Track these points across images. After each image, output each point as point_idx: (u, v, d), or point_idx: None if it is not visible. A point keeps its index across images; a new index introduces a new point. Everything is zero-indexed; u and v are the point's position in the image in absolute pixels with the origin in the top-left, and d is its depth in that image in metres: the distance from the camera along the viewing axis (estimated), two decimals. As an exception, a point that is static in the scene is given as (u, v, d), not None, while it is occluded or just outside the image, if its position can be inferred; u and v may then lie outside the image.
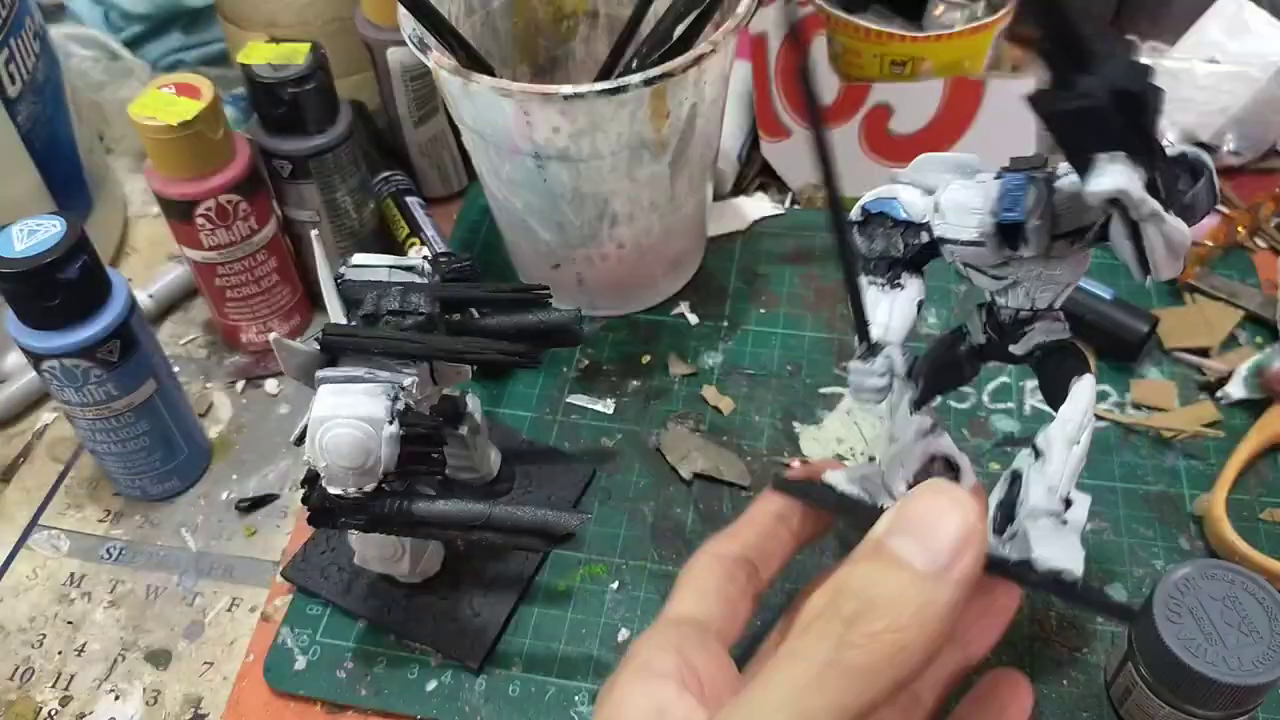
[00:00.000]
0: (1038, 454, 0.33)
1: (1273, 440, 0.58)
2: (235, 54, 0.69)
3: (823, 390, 0.63)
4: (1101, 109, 0.27)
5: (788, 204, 0.75)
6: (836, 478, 0.38)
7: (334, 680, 0.52)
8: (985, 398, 0.62)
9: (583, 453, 0.61)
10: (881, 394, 0.35)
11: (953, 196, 0.34)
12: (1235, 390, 0.60)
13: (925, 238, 0.35)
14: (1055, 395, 0.35)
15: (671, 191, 0.61)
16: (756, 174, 0.77)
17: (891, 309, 0.36)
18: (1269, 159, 0.74)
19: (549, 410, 0.63)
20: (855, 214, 0.36)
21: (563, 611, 0.54)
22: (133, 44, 0.86)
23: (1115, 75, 0.26)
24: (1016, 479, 0.34)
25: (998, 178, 0.33)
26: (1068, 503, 0.32)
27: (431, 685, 0.52)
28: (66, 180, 0.69)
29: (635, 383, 0.65)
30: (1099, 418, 0.61)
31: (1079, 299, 0.63)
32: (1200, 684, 0.43)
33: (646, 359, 0.66)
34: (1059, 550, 0.31)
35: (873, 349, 0.35)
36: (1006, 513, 0.33)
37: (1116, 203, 0.29)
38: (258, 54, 0.61)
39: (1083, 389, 0.34)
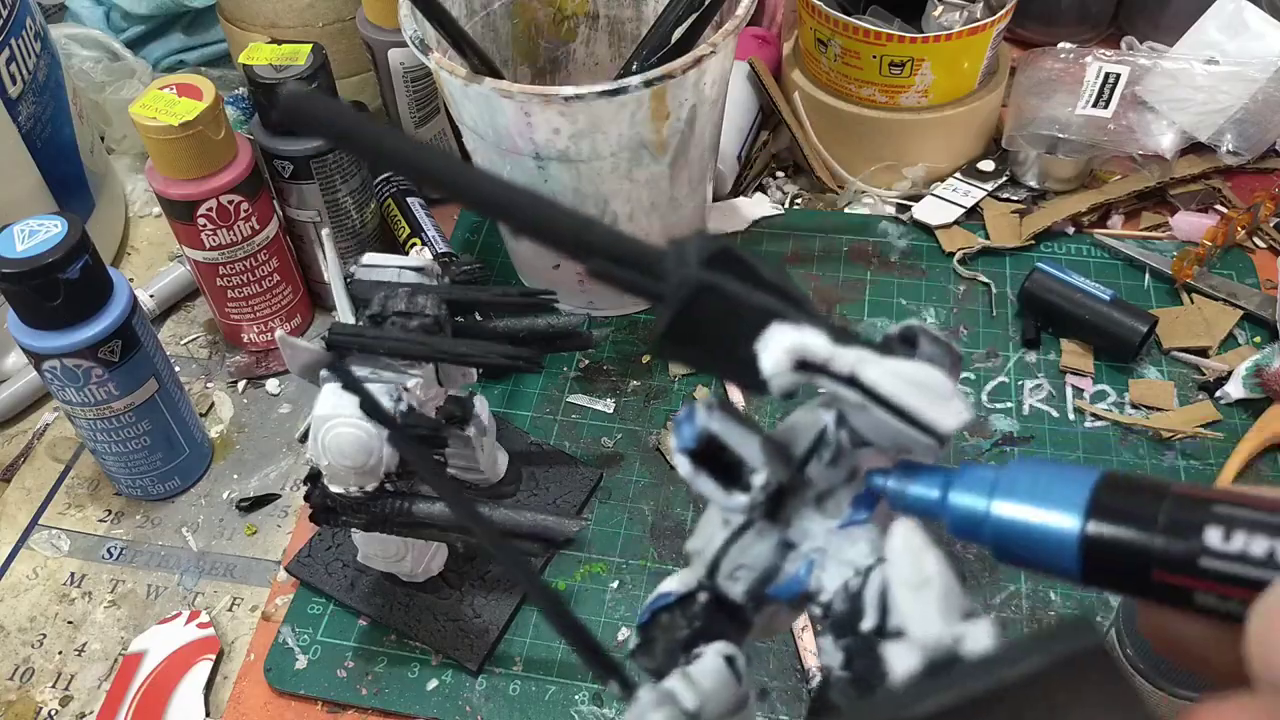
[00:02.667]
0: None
1: (1272, 440, 0.58)
2: (237, 55, 0.70)
3: (823, 389, 0.63)
4: (709, 285, 0.22)
5: (787, 204, 0.75)
6: None
7: (334, 679, 0.52)
8: (984, 397, 0.62)
9: (589, 457, 0.61)
10: None
11: (698, 530, 0.26)
12: (1234, 390, 0.61)
13: (703, 597, 0.26)
14: None
15: (671, 192, 0.61)
16: (756, 174, 0.77)
17: (688, 675, 0.25)
18: (1268, 159, 0.74)
19: (550, 410, 0.63)
20: (632, 642, 0.27)
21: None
22: (134, 44, 0.86)
23: (698, 247, 0.22)
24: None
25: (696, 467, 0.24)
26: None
27: (432, 684, 0.52)
28: (68, 180, 0.70)
29: (635, 383, 0.65)
30: (1098, 418, 0.61)
31: (1079, 299, 0.63)
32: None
33: (646, 359, 0.66)
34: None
35: (629, 689, 0.25)
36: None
37: (820, 375, 0.23)
38: (259, 55, 0.61)
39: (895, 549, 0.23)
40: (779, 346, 0.22)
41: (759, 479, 0.24)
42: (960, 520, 0.24)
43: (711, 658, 0.25)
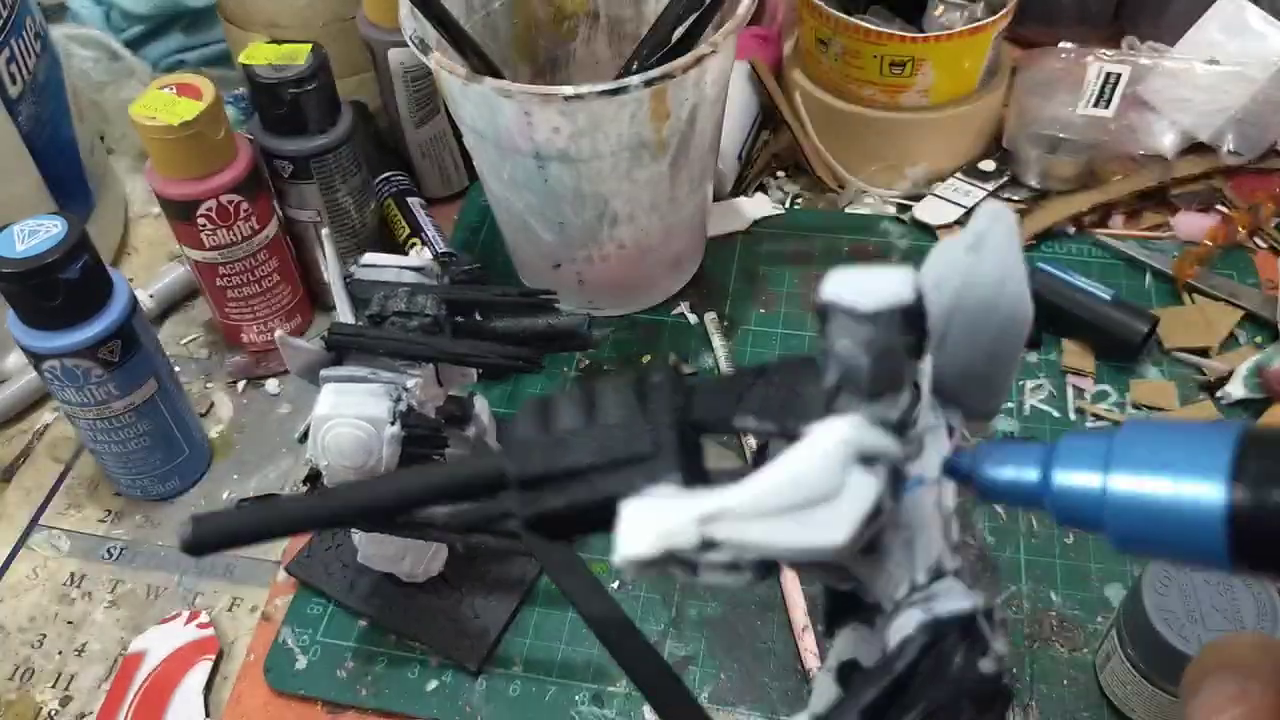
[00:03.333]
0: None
1: (1273, 440, 0.58)
2: (236, 54, 0.70)
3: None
4: (537, 519, 0.22)
5: (788, 204, 0.75)
6: None
7: (334, 680, 0.52)
8: (985, 398, 0.62)
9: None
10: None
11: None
12: (1235, 390, 0.60)
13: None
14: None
15: (671, 192, 0.61)
16: (757, 174, 0.77)
17: None
18: (1268, 159, 0.74)
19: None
20: None
21: (563, 612, 0.54)
22: (134, 44, 0.86)
23: (516, 464, 0.22)
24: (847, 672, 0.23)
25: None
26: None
27: (432, 685, 0.52)
28: (67, 180, 0.70)
29: (636, 383, 0.65)
30: (1098, 418, 0.61)
31: (1080, 299, 0.63)
32: (1166, 654, 0.43)
33: (646, 359, 0.66)
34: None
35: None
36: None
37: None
38: (259, 54, 0.61)
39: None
40: (626, 551, 0.21)
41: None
42: (1069, 504, 0.20)
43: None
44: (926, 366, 0.22)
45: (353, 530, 0.52)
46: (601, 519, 0.22)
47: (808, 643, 0.51)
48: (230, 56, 0.80)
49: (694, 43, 0.59)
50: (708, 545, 0.20)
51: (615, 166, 0.57)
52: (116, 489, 0.62)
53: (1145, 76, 0.72)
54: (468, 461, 0.23)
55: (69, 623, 0.56)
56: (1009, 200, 0.73)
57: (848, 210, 0.75)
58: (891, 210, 0.74)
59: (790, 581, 0.53)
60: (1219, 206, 0.71)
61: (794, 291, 0.69)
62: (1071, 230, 0.71)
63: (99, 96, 0.81)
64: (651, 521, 0.20)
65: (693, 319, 0.68)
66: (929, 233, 0.72)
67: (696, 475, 0.22)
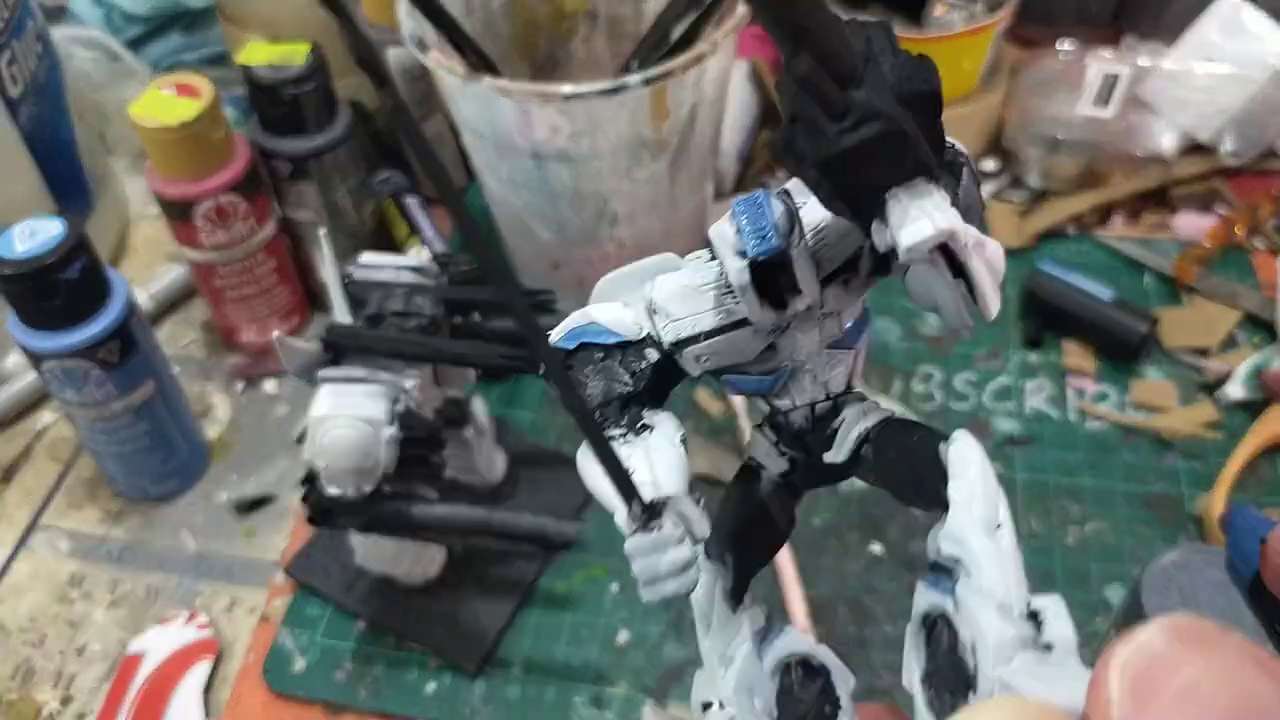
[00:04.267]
0: (950, 571, 0.21)
1: (1273, 440, 0.58)
2: (235, 55, 0.69)
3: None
4: (895, 133, 0.19)
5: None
6: None
7: (333, 681, 0.52)
8: (985, 398, 0.62)
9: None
10: (686, 572, 0.23)
11: (668, 286, 0.25)
12: (1235, 390, 0.60)
13: (653, 355, 0.25)
14: (918, 487, 0.23)
15: (671, 191, 0.61)
16: (757, 174, 0.77)
17: (650, 459, 0.24)
18: (1267, 160, 0.74)
19: (549, 411, 0.63)
20: (559, 341, 0.26)
21: (563, 614, 0.54)
22: (133, 45, 0.86)
23: (897, 78, 0.20)
24: (937, 626, 0.22)
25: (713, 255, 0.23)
26: (1035, 616, 0.21)
27: (431, 687, 0.52)
28: (67, 181, 0.69)
29: (635, 383, 0.64)
30: (1099, 418, 0.61)
31: (1080, 299, 0.63)
32: None
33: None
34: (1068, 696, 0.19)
35: (650, 510, 0.23)
36: (948, 683, 0.21)
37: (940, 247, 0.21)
38: (258, 54, 0.61)
39: (961, 454, 0.22)
40: (934, 227, 0.20)
41: (801, 303, 0.23)
42: None
43: (668, 447, 0.24)
44: None
45: (351, 532, 0.51)
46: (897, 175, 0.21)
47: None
48: (229, 57, 0.80)
49: (694, 42, 0.59)
50: (977, 243, 0.21)
51: (614, 166, 0.57)
52: (116, 489, 0.62)
53: (1145, 77, 0.72)
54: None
55: (69, 623, 0.56)
56: (1009, 200, 0.73)
57: (847, 210, 0.75)
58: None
59: (791, 582, 0.53)
60: (1218, 207, 0.71)
61: (793, 292, 0.69)
62: (1071, 230, 0.71)
63: (99, 97, 0.81)
64: (948, 214, 0.20)
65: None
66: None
67: None
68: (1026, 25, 0.83)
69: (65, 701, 0.53)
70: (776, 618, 0.26)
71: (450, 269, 0.52)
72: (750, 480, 0.26)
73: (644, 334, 0.25)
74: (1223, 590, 0.44)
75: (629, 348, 0.25)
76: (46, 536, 0.61)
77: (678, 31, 0.59)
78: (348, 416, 0.44)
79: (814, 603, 0.53)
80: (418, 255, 0.56)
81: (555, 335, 0.26)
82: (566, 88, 0.52)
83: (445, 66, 0.55)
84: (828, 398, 0.25)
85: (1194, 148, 0.72)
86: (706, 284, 0.24)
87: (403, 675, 0.52)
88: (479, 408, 0.54)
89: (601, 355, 0.25)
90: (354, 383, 0.45)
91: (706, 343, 0.24)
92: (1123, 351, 0.62)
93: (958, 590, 0.21)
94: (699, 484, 0.24)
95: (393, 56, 0.68)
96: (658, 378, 0.25)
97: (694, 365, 0.25)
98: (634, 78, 0.52)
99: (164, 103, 0.57)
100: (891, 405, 0.28)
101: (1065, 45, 0.75)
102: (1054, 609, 0.21)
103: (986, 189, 0.73)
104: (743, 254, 0.22)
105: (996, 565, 0.21)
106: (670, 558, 0.23)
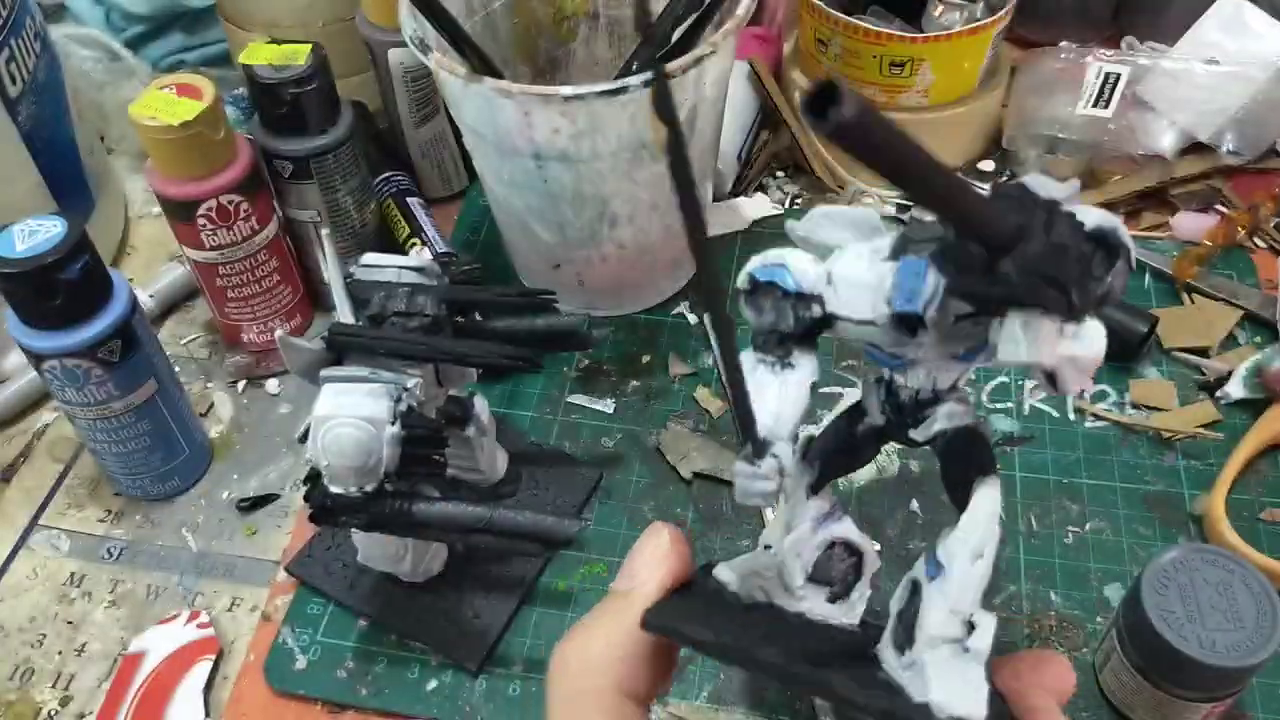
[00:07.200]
0: (939, 564, 0.29)
1: (1272, 440, 0.58)
2: (236, 54, 0.70)
3: (823, 390, 0.63)
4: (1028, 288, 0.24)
5: (787, 204, 0.75)
6: (726, 573, 0.34)
7: (334, 680, 0.52)
8: (984, 398, 0.62)
9: (590, 457, 0.61)
10: (770, 498, 0.31)
11: (845, 270, 0.30)
12: (1235, 390, 0.60)
13: (818, 311, 0.31)
14: (957, 491, 0.31)
15: (672, 193, 0.61)
16: (756, 174, 0.77)
17: (782, 393, 0.32)
18: (1268, 159, 0.74)
19: (549, 410, 0.63)
20: (743, 283, 0.33)
21: (563, 612, 0.54)
22: (134, 44, 0.86)
23: (1036, 262, 0.23)
24: (917, 589, 0.30)
25: (895, 255, 0.29)
26: (971, 626, 0.28)
27: (432, 685, 0.52)
28: (67, 180, 0.70)
29: (635, 383, 0.65)
30: (1098, 418, 0.61)
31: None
32: (1166, 655, 0.43)
33: (646, 359, 0.66)
34: (959, 691, 0.27)
35: (759, 448, 0.30)
36: (908, 629, 0.29)
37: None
38: (259, 54, 0.61)
39: (985, 498, 0.29)
40: (1022, 354, 0.25)
41: (926, 339, 0.28)
42: None
43: (798, 389, 0.32)
44: None
45: (352, 530, 0.52)
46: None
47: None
48: (230, 56, 0.80)
49: (693, 43, 0.59)
50: (1068, 359, 0.25)
51: (615, 167, 0.57)
52: (116, 489, 0.62)
53: (1144, 76, 0.72)
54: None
55: (69, 623, 0.56)
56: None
57: (847, 210, 0.75)
58: (891, 210, 0.74)
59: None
60: (1218, 206, 0.72)
61: (794, 291, 0.69)
62: (1071, 230, 0.71)
63: (99, 96, 0.81)
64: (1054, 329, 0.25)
65: (692, 319, 0.68)
66: (929, 233, 0.72)
67: None
68: (1026, 25, 0.83)
69: (65, 701, 0.53)
70: (839, 507, 0.34)
71: (451, 269, 0.52)
72: (855, 417, 0.33)
73: (817, 292, 0.31)
74: (1223, 590, 0.44)
75: (803, 298, 0.31)
76: (46, 536, 0.61)
77: (678, 33, 0.59)
78: (350, 415, 0.44)
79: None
80: (419, 255, 0.57)
81: (754, 263, 0.32)
82: (567, 89, 0.52)
83: (446, 68, 0.55)
84: (933, 390, 0.31)
85: (1194, 147, 0.72)
86: (868, 285, 0.29)
87: (404, 673, 0.52)
88: (480, 406, 0.54)
89: (782, 294, 0.31)
90: (356, 382, 0.45)
91: (856, 326, 0.30)
92: (1122, 351, 0.62)
93: (931, 584, 0.29)
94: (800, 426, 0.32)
95: (394, 57, 0.69)
96: (815, 328, 0.31)
97: (842, 331, 0.30)
98: (634, 79, 0.53)
99: (164, 102, 0.57)
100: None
101: (1065, 45, 0.75)
102: (986, 625, 0.28)
103: (986, 189, 0.73)
104: (888, 301, 0.28)
105: (965, 582, 0.28)
106: (758, 486, 0.30)
